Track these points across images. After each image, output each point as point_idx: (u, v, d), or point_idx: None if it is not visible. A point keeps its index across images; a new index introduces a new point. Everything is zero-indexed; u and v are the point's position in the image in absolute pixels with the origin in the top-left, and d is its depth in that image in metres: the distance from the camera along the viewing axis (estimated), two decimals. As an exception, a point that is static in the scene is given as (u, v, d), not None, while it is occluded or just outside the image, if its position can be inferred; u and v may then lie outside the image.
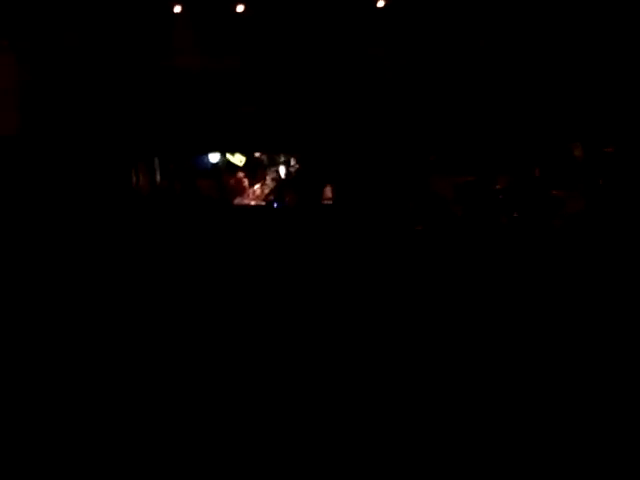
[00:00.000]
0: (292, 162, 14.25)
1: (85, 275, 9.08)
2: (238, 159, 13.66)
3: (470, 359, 6.51)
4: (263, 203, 12.93)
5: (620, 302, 7.73)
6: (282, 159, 14.33)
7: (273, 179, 14.03)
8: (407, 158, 12.56)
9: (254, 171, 13.90)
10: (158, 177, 13.67)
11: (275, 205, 12.54)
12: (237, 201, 12.84)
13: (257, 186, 13.74)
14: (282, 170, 14.18)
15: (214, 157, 13.81)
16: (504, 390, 5.84)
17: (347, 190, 12.10)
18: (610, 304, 7.70)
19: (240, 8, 11.29)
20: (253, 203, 13.04)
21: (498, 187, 11.02)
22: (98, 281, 8.91)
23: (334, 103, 12.28)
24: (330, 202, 12.33)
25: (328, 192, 12.79)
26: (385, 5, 11.63)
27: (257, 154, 14.09)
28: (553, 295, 8.10)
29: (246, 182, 13.31)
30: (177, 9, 11.39)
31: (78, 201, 11.73)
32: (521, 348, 6.70)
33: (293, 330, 7.26)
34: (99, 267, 9.42)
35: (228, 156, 13.67)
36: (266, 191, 13.62)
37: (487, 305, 7.91)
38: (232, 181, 13.14)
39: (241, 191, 13.09)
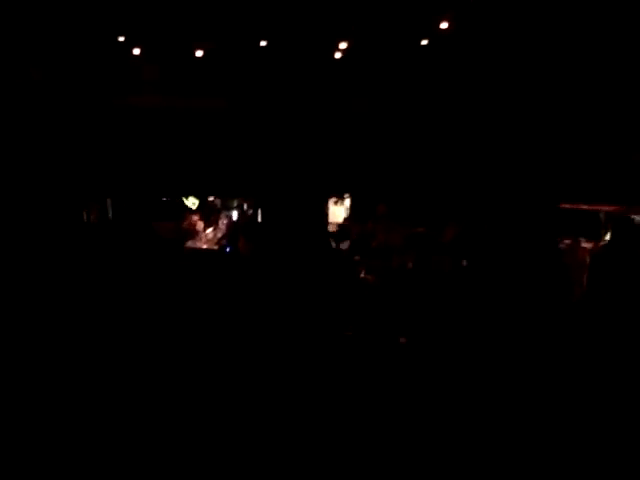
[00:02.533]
0: (245, 207, 14.34)
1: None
2: (191, 202, 13.69)
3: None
4: (215, 247, 12.91)
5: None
6: (235, 204, 14.41)
7: (226, 223, 14.08)
8: (355, 208, 12.78)
9: (207, 215, 13.93)
10: (110, 216, 13.61)
11: (227, 249, 12.52)
12: (189, 244, 12.79)
13: (210, 230, 13.75)
14: (235, 215, 14.25)
15: (167, 199, 13.83)
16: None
17: (294, 238, 12.20)
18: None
19: (199, 53, 11.42)
20: (205, 246, 13.01)
21: (446, 238, 11.19)
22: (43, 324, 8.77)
23: (289, 150, 12.43)
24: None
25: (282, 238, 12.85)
26: (345, 56, 11.84)
27: (211, 198, 14.17)
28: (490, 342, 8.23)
29: (200, 225, 13.30)
30: (136, 51, 11.46)
31: (27, 235, 11.62)
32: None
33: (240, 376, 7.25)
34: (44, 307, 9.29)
35: (182, 198, 13.70)
36: (219, 235, 13.64)
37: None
38: (185, 224, 13.11)
39: (194, 234, 13.06)
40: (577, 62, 11.36)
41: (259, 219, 13.82)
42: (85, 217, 13.20)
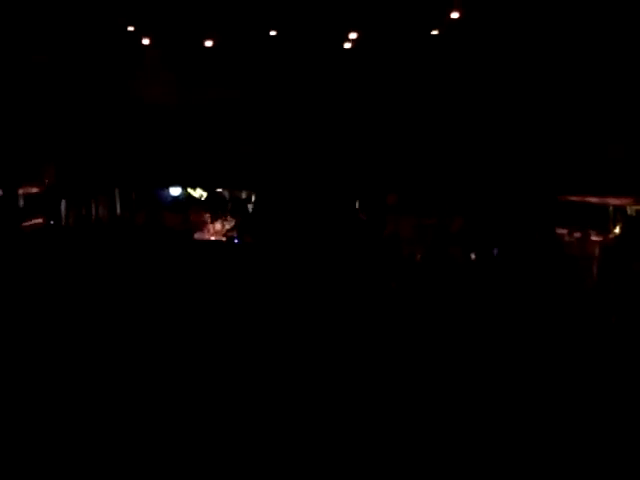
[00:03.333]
0: (254, 199, 14.32)
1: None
2: (199, 194, 13.69)
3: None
4: (223, 239, 12.92)
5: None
6: (244, 196, 14.40)
7: (234, 215, 14.07)
8: (367, 198, 12.75)
9: (215, 206, 13.93)
10: (118, 209, 13.62)
11: (235, 241, 12.53)
12: (197, 235, 12.80)
13: (218, 221, 13.75)
14: (244, 206, 14.24)
15: (175, 191, 13.83)
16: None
17: (304, 227, 12.19)
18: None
19: (209, 44, 11.41)
20: (213, 238, 13.02)
21: (454, 229, 11.18)
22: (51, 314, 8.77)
23: (297, 143, 12.40)
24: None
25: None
26: (352, 47, 11.83)
27: (219, 190, 14.15)
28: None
29: (207, 217, 13.31)
30: (145, 42, 11.47)
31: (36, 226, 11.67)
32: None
33: (245, 364, 7.24)
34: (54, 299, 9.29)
35: (189, 190, 13.70)
36: (227, 227, 13.64)
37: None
38: (193, 215, 13.12)
39: (202, 226, 13.07)
40: (584, 54, 11.33)
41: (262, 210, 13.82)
42: (93, 211, 13.20)
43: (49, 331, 7.94)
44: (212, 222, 13.43)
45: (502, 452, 5.23)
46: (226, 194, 14.31)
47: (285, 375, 6.74)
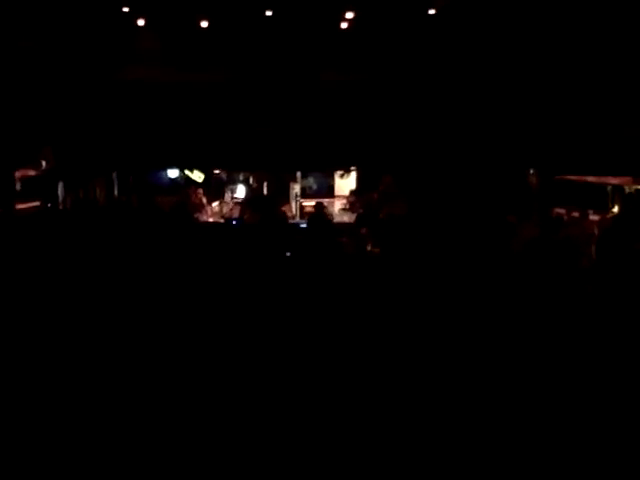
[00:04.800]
0: (251, 180, 14.30)
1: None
2: (197, 175, 13.65)
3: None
4: (222, 220, 12.91)
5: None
6: (241, 177, 14.38)
7: (232, 197, 14.06)
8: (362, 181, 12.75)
9: (213, 188, 13.91)
10: (116, 191, 13.60)
11: (234, 222, 12.52)
12: (195, 217, 12.78)
13: (216, 203, 13.74)
14: (241, 188, 14.22)
15: (173, 173, 13.80)
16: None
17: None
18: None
19: (204, 24, 11.34)
20: (211, 220, 13.01)
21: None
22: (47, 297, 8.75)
23: (295, 123, 12.37)
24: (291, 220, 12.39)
25: (287, 211, 12.84)
26: (347, 29, 11.75)
27: (216, 171, 14.12)
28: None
29: (205, 199, 13.29)
30: (140, 22, 11.39)
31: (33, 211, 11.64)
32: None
33: (247, 346, 7.24)
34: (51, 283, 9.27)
35: (187, 172, 13.66)
36: (225, 209, 13.63)
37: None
38: (192, 198, 13.09)
39: (200, 208, 13.05)
40: (585, 36, 11.29)
41: (265, 192, 13.80)
42: (91, 194, 13.17)
43: (47, 314, 7.94)
44: (210, 204, 13.42)
45: (501, 447, 5.22)
46: (223, 176, 14.29)
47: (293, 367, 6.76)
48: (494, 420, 5.65)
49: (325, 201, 12.99)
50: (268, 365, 6.65)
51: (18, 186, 12.00)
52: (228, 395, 6.00)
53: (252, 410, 5.72)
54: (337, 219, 12.63)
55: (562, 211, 11.20)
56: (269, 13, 11.22)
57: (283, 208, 12.70)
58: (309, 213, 12.53)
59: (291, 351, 7.03)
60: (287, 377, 6.41)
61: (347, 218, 12.56)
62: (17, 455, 4.99)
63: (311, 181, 14.13)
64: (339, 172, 13.78)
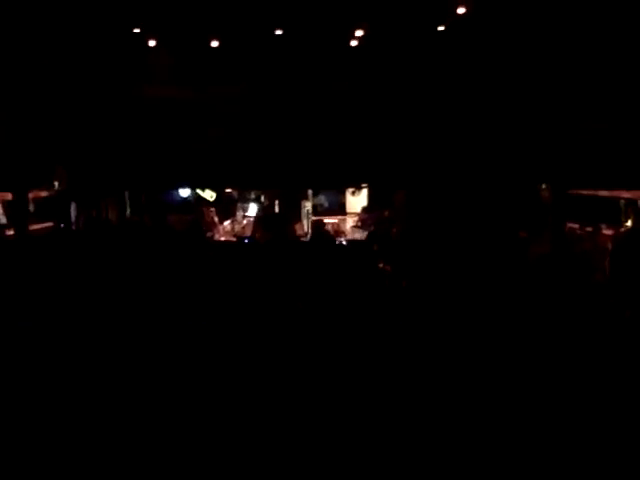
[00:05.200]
0: (263, 199, 14.33)
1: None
2: (209, 194, 13.70)
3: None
4: (234, 239, 12.93)
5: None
6: (253, 196, 14.42)
7: (244, 215, 14.11)
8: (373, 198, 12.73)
9: (225, 207, 13.95)
10: (128, 211, 13.64)
11: (246, 241, 12.55)
12: (207, 236, 12.81)
13: (227, 222, 13.78)
14: (253, 207, 14.25)
15: (185, 192, 13.85)
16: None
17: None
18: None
19: (215, 44, 11.39)
20: (223, 239, 13.04)
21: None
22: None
23: (306, 141, 12.37)
24: (300, 238, 12.39)
25: (298, 229, 12.85)
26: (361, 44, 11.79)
27: (228, 190, 14.17)
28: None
29: (216, 218, 13.33)
30: (152, 43, 11.45)
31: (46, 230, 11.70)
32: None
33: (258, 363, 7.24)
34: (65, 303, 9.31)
35: (199, 191, 13.71)
36: (237, 227, 13.66)
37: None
38: (205, 216, 13.13)
39: (212, 226, 13.09)
40: (595, 47, 11.26)
41: (276, 209, 13.82)
42: (103, 214, 13.22)
43: (60, 333, 7.97)
44: (221, 222, 13.46)
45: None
46: (235, 194, 14.33)
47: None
48: (504, 426, 5.64)
49: (337, 218, 13.00)
50: (278, 379, 6.67)
51: (31, 207, 12.05)
52: (244, 401, 6.04)
53: (264, 414, 5.74)
54: (349, 236, 12.64)
55: (575, 226, 11.13)
56: (279, 32, 11.26)
57: (295, 226, 12.73)
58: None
59: (301, 366, 7.04)
60: (297, 387, 6.43)
61: (359, 235, 12.56)
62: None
63: (322, 199, 14.15)
64: (351, 189, 13.80)
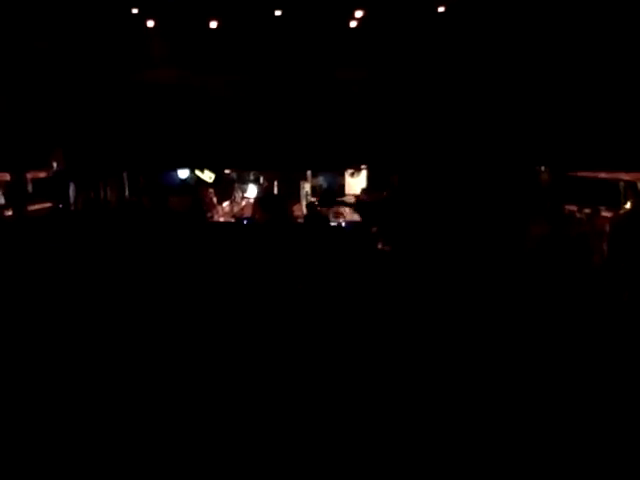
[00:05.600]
0: (262, 180, 14.31)
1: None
2: (207, 176, 13.67)
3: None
4: (232, 220, 12.92)
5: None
6: (252, 177, 14.39)
7: (242, 196, 14.10)
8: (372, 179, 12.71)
9: (224, 188, 13.93)
10: (127, 192, 13.62)
11: (245, 222, 12.54)
12: (208, 217, 12.80)
13: (226, 203, 13.76)
14: (252, 188, 14.24)
15: (183, 173, 13.82)
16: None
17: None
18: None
19: (213, 24, 11.33)
20: (222, 219, 13.02)
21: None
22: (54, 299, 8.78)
23: (305, 122, 12.35)
24: (298, 219, 12.37)
25: (297, 210, 12.84)
26: (357, 28, 11.73)
27: (227, 171, 14.14)
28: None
29: (215, 199, 13.31)
30: (150, 24, 11.40)
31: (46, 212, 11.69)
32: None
33: (257, 346, 7.25)
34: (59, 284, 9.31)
35: (197, 172, 13.68)
36: (236, 208, 13.65)
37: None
38: (204, 198, 13.11)
39: (211, 207, 13.07)
40: (596, 31, 11.21)
41: (275, 191, 13.80)
42: (102, 195, 13.21)
43: (59, 315, 7.97)
44: (220, 204, 13.44)
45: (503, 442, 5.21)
46: (234, 175, 14.31)
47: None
48: (503, 414, 5.65)
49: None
50: (278, 364, 6.67)
51: (30, 188, 12.04)
52: (239, 392, 6.03)
53: (263, 410, 5.74)
54: (348, 218, 12.62)
55: (574, 208, 11.13)
56: (278, 13, 11.20)
57: (294, 207, 12.72)
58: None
59: (302, 349, 7.05)
60: (298, 375, 6.43)
61: (358, 217, 12.54)
62: (17, 455, 5.01)
63: (321, 180, 14.14)
64: (350, 171, 13.78)
